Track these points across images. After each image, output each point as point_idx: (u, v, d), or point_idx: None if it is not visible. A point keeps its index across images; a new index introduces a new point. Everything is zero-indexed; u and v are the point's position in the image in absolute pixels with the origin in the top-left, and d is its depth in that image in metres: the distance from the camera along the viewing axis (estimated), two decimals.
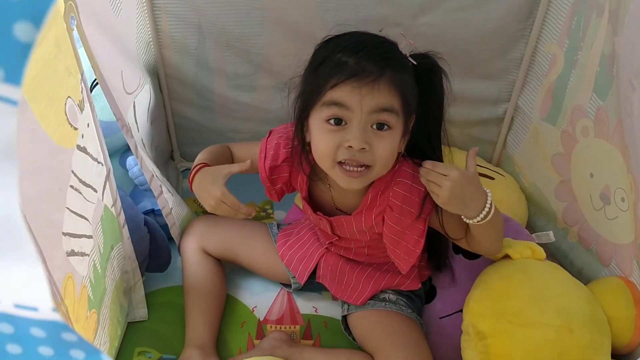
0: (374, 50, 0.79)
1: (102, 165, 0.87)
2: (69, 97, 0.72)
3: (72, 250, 0.74)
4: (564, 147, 1.10)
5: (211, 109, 1.30)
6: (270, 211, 1.31)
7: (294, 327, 1.07)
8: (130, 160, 1.16)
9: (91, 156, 0.82)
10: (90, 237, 0.82)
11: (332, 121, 0.80)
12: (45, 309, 0.37)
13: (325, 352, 0.99)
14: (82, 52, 0.78)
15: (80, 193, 0.77)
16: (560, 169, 1.12)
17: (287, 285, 1.12)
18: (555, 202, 1.16)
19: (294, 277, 1.08)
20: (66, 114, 0.71)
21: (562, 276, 0.94)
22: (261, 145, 0.97)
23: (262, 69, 1.21)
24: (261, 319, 1.08)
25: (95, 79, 0.88)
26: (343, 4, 1.09)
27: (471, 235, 0.87)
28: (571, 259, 1.13)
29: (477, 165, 1.24)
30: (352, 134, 0.79)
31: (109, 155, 0.90)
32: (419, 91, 0.84)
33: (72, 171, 0.74)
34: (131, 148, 0.98)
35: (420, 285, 1.01)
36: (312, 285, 1.08)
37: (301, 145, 0.88)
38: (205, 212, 1.28)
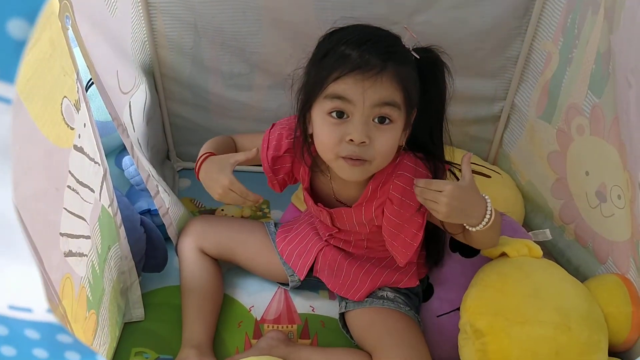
0: (378, 43, 0.79)
1: (99, 165, 0.87)
2: (65, 97, 0.72)
3: (70, 251, 0.74)
4: (559, 145, 1.10)
5: (207, 108, 1.30)
6: (267, 211, 1.30)
7: (291, 327, 1.07)
8: (126, 160, 1.16)
9: (88, 156, 0.81)
10: (88, 237, 0.81)
11: (334, 114, 0.80)
12: (40, 310, 0.37)
13: (322, 351, 0.99)
14: (77, 51, 0.78)
15: (77, 193, 0.77)
16: (556, 166, 1.13)
17: (284, 284, 1.12)
18: (552, 200, 1.16)
19: (293, 273, 1.08)
20: (62, 114, 0.71)
21: (559, 274, 0.94)
22: (264, 136, 0.97)
23: (258, 68, 1.21)
24: (258, 319, 1.08)
25: (91, 79, 0.88)
26: (339, 3, 1.09)
27: (469, 233, 0.87)
28: (568, 256, 1.13)
29: (473, 163, 1.25)
30: (354, 127, 0.79)
31: (105, 156, 0.90)
32: (421, 85, 0.84)
33: (69, 171, 0.74)
34: (127, 148, 0.98)
35: (418, 283, 1.01)
36: (309, 283, 1.08)
37: (303, 137, 0.89)
38: (202, 212, 1.28)
